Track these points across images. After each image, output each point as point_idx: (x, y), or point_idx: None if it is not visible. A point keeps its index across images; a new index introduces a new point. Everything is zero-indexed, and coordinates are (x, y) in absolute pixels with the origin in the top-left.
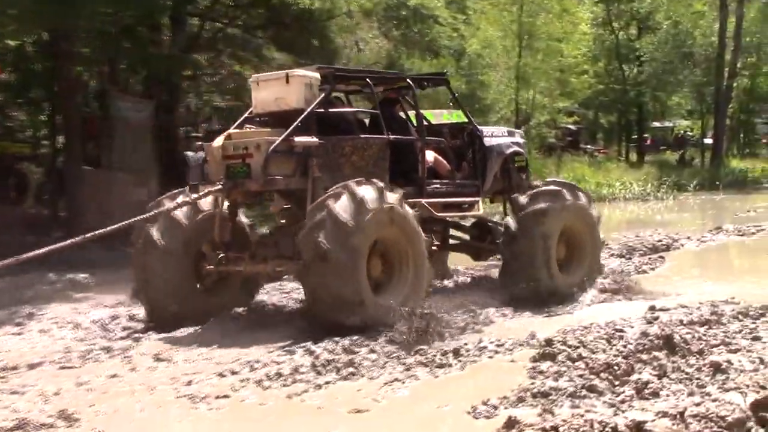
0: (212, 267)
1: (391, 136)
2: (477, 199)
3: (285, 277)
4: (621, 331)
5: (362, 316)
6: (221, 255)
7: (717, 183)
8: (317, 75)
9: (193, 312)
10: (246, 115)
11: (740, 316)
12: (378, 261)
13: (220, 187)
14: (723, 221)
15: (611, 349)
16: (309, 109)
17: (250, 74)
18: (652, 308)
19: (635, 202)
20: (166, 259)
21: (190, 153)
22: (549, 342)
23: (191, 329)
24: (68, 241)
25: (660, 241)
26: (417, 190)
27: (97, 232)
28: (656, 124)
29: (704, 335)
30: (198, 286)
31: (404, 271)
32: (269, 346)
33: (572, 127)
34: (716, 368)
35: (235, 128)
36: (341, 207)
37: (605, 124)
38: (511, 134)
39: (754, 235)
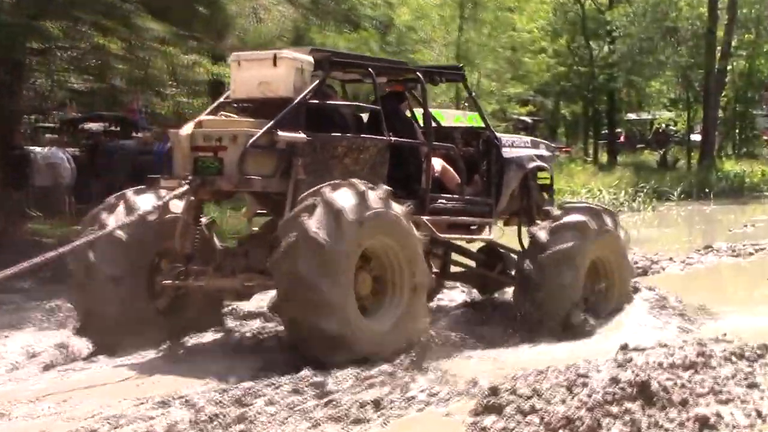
0: (168, 282)
1: (393, 138)
2: (489, 220)
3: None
4: (585, 376)
5: (351, 351)
6: (180, 268)
7: (707, 190)
8: (310, 59)
9: (151, 337)
10: (222, 99)
11: (733, 358)
12: (367, 277)
13: (186, 186)
14: (714, 238)
15: (572, 399)
16: (298, 99)
17: (116, 48)
18: (624, 348)
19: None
20: (113, 282)
21: (37, 149)
22: (494, 391)
23: (37, 374)
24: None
25: (636, 263)
26: (418, 205)
27: (48, 255)
28: (632, 116)
29: (689, 382)
30: (154, 306)
31: (398, 291)
32: (142, 396)
33: (527, 119)
34: (703, 423)
35: (208, 114)
36: (316, 222)
37: (568, 116)
38: (534, 145)
39: (752, 257)
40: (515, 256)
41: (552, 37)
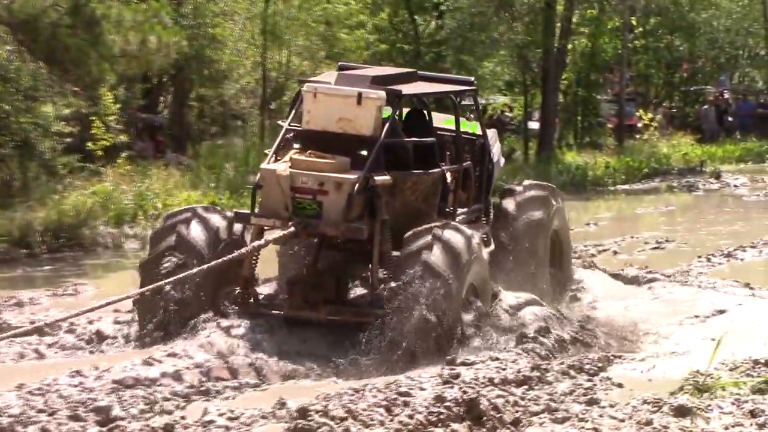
0: (238, 307)
1: (445, 168)
2: (487, 228)
3: None
4: (407, 395)
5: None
6: (236, 290)
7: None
8: (384, 95)
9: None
10: (288, 125)
11: (572, 372)
12: None
13: (292, 229)
14: None
15: (392, 420)
16: (381, 139)
17: None
18: (451, 362)
19: None
20: (182, 305)
21: None
22: (303, 413)
23: None
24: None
25: None
26: None
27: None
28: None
29: (522, 399)
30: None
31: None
32: None
33: None
34: None
35: (279, 143)
36: (452, 237)
37: None
38: (494, 137)
39: (595, 258)
40: None
41: (372, 11)
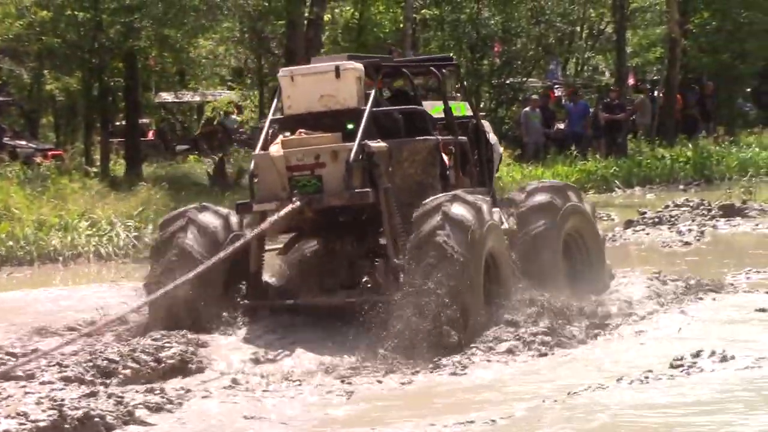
0: (252, 302)
1: (440, 138)
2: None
3: None
4: None
5: (463, 336)
6: (245, 285)
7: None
8: (361, 66)
9: None
10: (272, 115)
11: None
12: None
13: (297, 203)
14: None
15: None
16: (368, 107)
17: None
18: None
19: (121, 263)
20: (208, 281)
21: None
22: None
23: None
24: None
25: None
26: None
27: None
28: (167, 97)
29: None
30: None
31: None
32: None
33: None
34: None
35: (266, 133)
36: (460, 211)
37: (59, 96)
38: (486, 126)
39: None
40: None
41: None
